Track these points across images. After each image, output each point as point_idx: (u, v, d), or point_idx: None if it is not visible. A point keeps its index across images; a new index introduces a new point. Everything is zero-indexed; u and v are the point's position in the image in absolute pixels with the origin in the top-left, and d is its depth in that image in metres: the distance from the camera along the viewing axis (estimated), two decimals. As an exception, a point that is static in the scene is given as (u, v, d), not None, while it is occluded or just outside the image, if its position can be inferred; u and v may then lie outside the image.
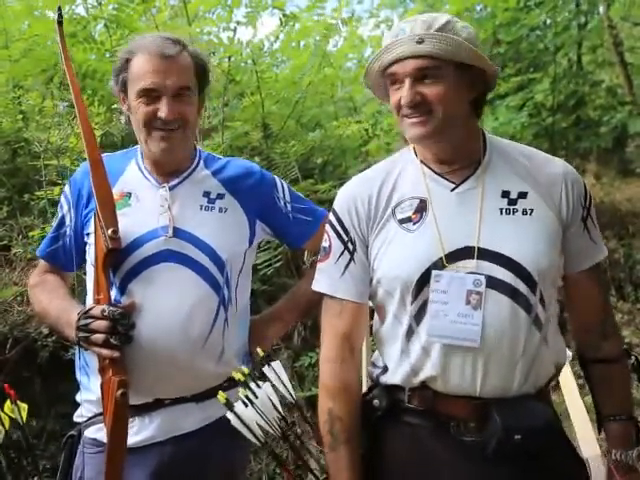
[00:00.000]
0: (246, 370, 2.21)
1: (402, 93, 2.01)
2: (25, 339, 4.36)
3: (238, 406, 2.13)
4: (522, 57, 8.14)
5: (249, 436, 2.14)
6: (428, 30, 1.99)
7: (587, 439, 2.69)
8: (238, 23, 6.12)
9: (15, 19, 6.02)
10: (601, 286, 2.27)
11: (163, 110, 2.30)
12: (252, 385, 2.17)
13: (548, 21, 8.62)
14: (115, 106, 4.33)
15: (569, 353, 2.42)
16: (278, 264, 4.83)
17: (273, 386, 2.18)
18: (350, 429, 2.13)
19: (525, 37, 8.26)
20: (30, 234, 4.50)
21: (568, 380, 3.16)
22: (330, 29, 6.47)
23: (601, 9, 8.85)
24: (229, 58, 5.45)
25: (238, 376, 2.19)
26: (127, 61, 2.35)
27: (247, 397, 2.12)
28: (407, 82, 2.00)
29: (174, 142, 2.37)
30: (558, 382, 2.69)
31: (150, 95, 2.31)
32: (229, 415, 2.14)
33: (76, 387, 2.68)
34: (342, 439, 2.11)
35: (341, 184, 5.55)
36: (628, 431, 2.16)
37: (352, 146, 6.46)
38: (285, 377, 2.21)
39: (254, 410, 2.11)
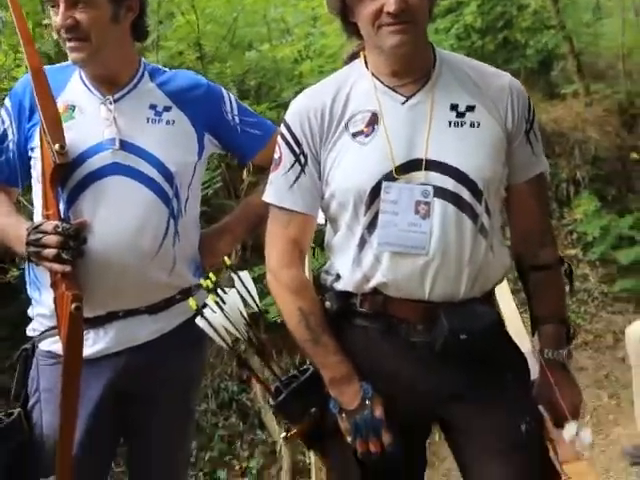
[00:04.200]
0: (214, 277, 2.23)
1: (386, 1, 1.98)
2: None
3: (207, 312, 2.16)
4: None
5: (218, 340, 2.22)
6: None
7: (520, 338, 2.72)
8: None
9: None
10: (541, 198, 2.34)
11: (57, 18, 2.27)
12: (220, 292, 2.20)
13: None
14: (46, 22, 4.18)
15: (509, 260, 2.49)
16: (217, 185, 4.85)
17: (239, 293, 2.21)
18: (323, 321, 2.18)
19: None
20: None
21: (502, 287, 3.17)
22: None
23: None
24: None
25: (207, 283, 2.24)
26: None
27: (217, 302, 2.15)
28: None
29: (83, 53, 2.33)
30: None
31: (54, 4, 2.28)
32: (199, 321, 2.20)
33: (14, 309, 2.71)
34: (321, 330, 2.16)
35: (276, 105, 5.53)
36: (560, 332, 2.28)
37: (285, 68, 6.41)
38: (251, 285, 2.28)
39: (223, 315, 2.15)
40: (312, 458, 4.37)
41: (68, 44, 2.29)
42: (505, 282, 3.13)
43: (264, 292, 2.59)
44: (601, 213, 7.02)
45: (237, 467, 4.62)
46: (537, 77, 8.86)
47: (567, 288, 2.42)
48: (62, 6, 2.22)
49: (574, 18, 9.84)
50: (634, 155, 7.94)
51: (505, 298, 3.28)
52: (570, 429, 2.18)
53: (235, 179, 4.92)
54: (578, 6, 10.49)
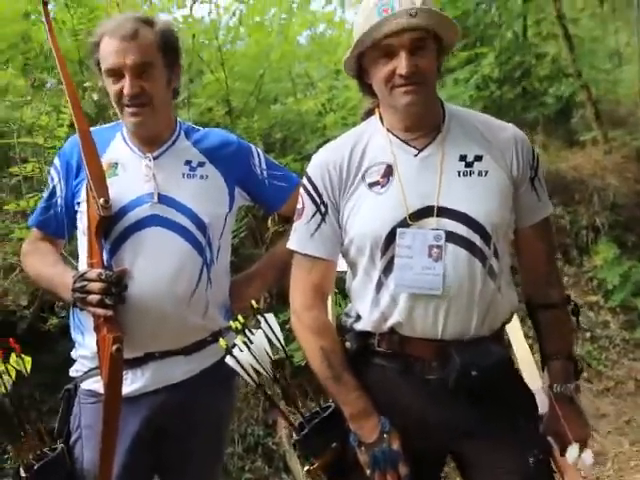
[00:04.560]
0: (242, 320, 2.31)
1: (398, 64, 2.10)
2: (3, 311, 4.32)
3: (236, 351, 2.24)
4: (469, 32, 8.11)
5: (246, 377, 2.27)
6: (413, 4, 2.06)
7: (531, 376, 2.82)
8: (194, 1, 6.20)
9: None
10: (547, 240, 2.42)
11: (126, 87, 2.37)
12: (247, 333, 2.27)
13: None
14: (87, 84, 4.30)
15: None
16: (242, 234, 4.87)
17: (265, 334, 2.29)
18: (344, 360, 2.26)
19: (473, 12, 8.24)
20: (5, 208, 4.46)
21: (515, 326, 3.28)
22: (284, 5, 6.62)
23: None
24: (193, 36, 5.42)
25: (236, 325, 2.30)
26: (97, 44, 2.43)
27: (244, 342, 2.23)
28: (403, 54, 2.09)
29: (143, 117, 2.45)
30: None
31: (115, 74, 2.39)
32: (228, 359, 2.27)
33: (53, 357, 2.82)
34: (341, 368, 2.23)
35: (301, 158, 5.60)
36: (568, 368, 2.33)
37: (310, 121, 6.44)
38: (276, 326, 2.35)
39: (250, 354, 2.22)
40: None
41: (128, 110, 2.43)
42: (517, 322, 3.24)
43: (289, 338, 2.64)
44: (621, 260, 6.98)
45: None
46: (556, 125, 8.82)
47: (574, 325, 2.43)
48: (129, 77, 2.36)
49: (592, 65, 9.75)
50: None
51: (517, 337, 3.38)
52: (572, 452, 2.22)
53: (261, 228, 4.96)
54: (596, 54, 10.38)
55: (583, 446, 2.26)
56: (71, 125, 4.39)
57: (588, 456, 2.24)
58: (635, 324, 6.46)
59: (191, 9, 6.23)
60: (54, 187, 2.58)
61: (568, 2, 10.39)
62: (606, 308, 6.64)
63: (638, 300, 6.64)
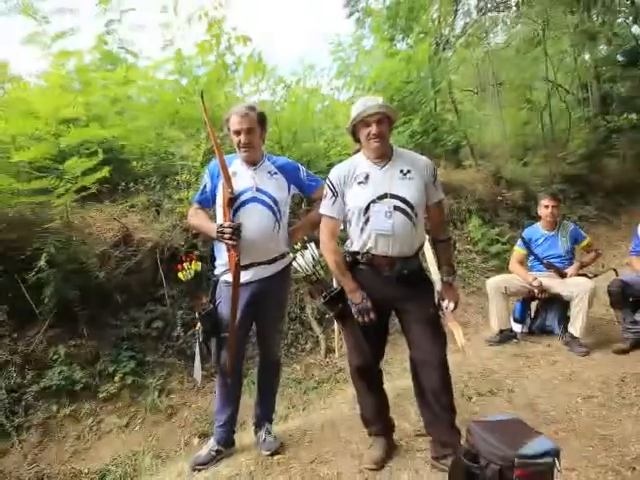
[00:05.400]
0: (299, 246, 2.52)
1: (371, 129, 2.26)
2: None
3: (298, 259, 2.44)
4: (406, 106, 8.00)
5: (301, 270, 2.42)
6: (379, 102, 2.25)
7: (434, 273, 2.90)
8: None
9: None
10: (441, 210, 2.49)
11: (242, 139, 2.51)
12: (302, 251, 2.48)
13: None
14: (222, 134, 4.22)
15: (427, 237, 2.70)
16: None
17: (311, 252, 2.49)
18: (346, 265, 2.39)
19: (408, 95, 8.13)
20: (175, 197, 4.48)
21: (427, 248, 3.38)
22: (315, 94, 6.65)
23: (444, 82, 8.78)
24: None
25: (298, 247, 2.48)
26: (228, 119, 2.54)
27: (301, 255, 2.43)
28: (374, 124, 2.25)
29: (249, 152, 2.55)
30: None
31: (237, 132, 2.51)
32: (294, 262, 2.44)
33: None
34: (344, 268, 2.37)
35: (317, 171, 5.69)
36: (450, 271, 2.47)
37: (321, 153, 6.24)
38: (315, 249, 2.47)
39: (303, 260, 2.43)
40: (336, 336, 4.36)
41: (242, 149, 2.55)
42: (429, 248, 3.34)
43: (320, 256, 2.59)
44: (482, 227, 7.02)
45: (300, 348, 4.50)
46: (451, 157, 8.74)
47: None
48: (244, 136, 2.51)
49: (469, 126, 9.71)
50: (499, 197, 8.00)
51: (428, 255, 3.47)
52: (450, 306, 2.41)
53: (296, 206, 4.90)
54: (471, 120, 10.37)
55: (455, 305, 2.44)
56: (205, 155, 4.53)
57: (451, 306, 2.41)
58: (488, 259, 6.50)
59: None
60: (205, 184, 2.63)
61: (457, 93, 10.40)
62: (474, 251, 6.64)
63: (490, 247, 6.71)
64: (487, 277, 5.27)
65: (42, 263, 3.35)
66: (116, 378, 3.50)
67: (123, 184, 4.52)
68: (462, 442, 2.21)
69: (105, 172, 3.66)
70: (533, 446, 1.60)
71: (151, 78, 5.48)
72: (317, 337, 4.50)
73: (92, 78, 4.64)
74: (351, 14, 12.75)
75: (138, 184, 4.58)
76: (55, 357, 3.42)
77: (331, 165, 5.49)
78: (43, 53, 4.60)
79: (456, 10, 11.68)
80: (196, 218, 2.65)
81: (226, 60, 5.72)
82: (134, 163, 4.63)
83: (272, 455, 2.66)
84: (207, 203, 2.67)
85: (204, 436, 3.23)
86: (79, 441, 3.17)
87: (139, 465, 2.98)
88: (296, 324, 4.53)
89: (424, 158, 2.44)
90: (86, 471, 2.97)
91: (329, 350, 4.38)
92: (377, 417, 2.57)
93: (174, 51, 5.56)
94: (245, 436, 2.96)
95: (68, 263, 3.57)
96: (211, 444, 2.71)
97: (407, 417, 2.93)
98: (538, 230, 4.41)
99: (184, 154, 4.54)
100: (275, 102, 6.47)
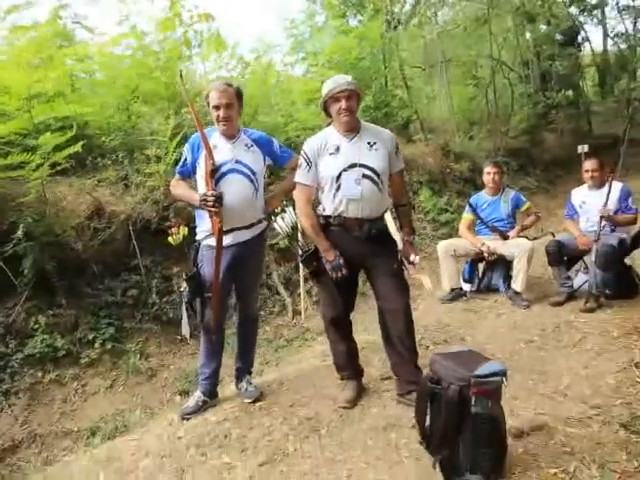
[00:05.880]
0: (279, 209, 2.60)
1: (341, 104, 2.37)
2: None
3: (278, 221, 2.57)
4: (359, 82, 7.92)
5: (282, 232, 2.56)
6: (348, 80, 2.37)
7: (395, 234, 2.90)
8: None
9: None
10: (401, 178, 2.61)
11: (221, 114, 2.53)
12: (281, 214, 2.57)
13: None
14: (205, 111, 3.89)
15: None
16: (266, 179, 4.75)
17: (289, 215, 2.62)
18: (320, 227, 2.49)
19: (361, 72, 8.12)
20: (145, 171, 4.45)
21: (388, 213, 3.19)
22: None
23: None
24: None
25: (278, 211, 2.57)
26: (208, 94, 2.55)
27: (281, 217, 2.55)
28: (344, 100, 2.37)
29: (227, 126, 2.56)
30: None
31: (216, 107, 2.53)
32: (274, 225, 2.57)
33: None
34: (319, 229, 2.48)
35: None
36: (409, 231, 2.58)
37: (279, 127, 6.14)
38: (293, 212, 2.60)
39: (283, 222, 2.57)
40: (302, 300, 4.52)
41: (221, 123, 2.58)
42: (389, 212, 3.32)
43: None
44: (432, 197, 7.26)
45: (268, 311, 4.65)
46: (402, 131, 8.83)
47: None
48: (223, 110, 2.53)
49: (419, 101, 9.89)
50: (447, 170, 8.28)
51: (389, 217, 3.38)
52: (411, 258, 2.53)
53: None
54: (421, 95, 10.57)
55: (415, 257, 2.54)
56: (173, 129, 4.48)
57: (416, 259, 2.53)
58: (438, 227, 6.78)
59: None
60: (186, 157, 2.64)
61: (408, 70, 10.46)
62: (425, 220, 6.90)
63: (439, 216, 6.98)
64: (436, 243, 5.58)
65: (19, 234, 3.38)
66: (96, 344, 3.62)
67: (90, 159, 4.52)
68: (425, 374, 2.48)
69: (78, 147, 3.69)
70: (485, 368, 1.83)
71: (109, 54, 5.38)
72: (284, 301, 4.69)
73: (54, 53, 4.53)
74: (303, -11, 12.67)
75: (105, 159, 4.57)
76: (36, 327, 3.50)
77: (289, 140, 5.72)
78: (-4, 26, 4.42)
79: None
80: (179, 188, 2.68)
81: (189, 36, 5.68)
82: (102, 138, 4.61)
83: (254, 402, 2.77)
84: (188, 174, 2.70)
85: (185, 394, 3.40)
86: (66, 403, 3.30)
87: (128, 420, 3.13)
88: (264, 289, 4.69)
89: (387, 131, 2.55)
90: (76, 429, 3.12)
91: (295, 312, 4.58)
92: (348, 363, 2.73)
93: (129, 26, 5.50)
94: (225, 390, 3.11)
95: (44, 236, 3.62)
96: (197, 395, 2.79)
97: (373, 364, 3.16)
98: (483, 196, 4.70)
99: (154, 129, 4.55)
100: (233, 78, 6.42)
